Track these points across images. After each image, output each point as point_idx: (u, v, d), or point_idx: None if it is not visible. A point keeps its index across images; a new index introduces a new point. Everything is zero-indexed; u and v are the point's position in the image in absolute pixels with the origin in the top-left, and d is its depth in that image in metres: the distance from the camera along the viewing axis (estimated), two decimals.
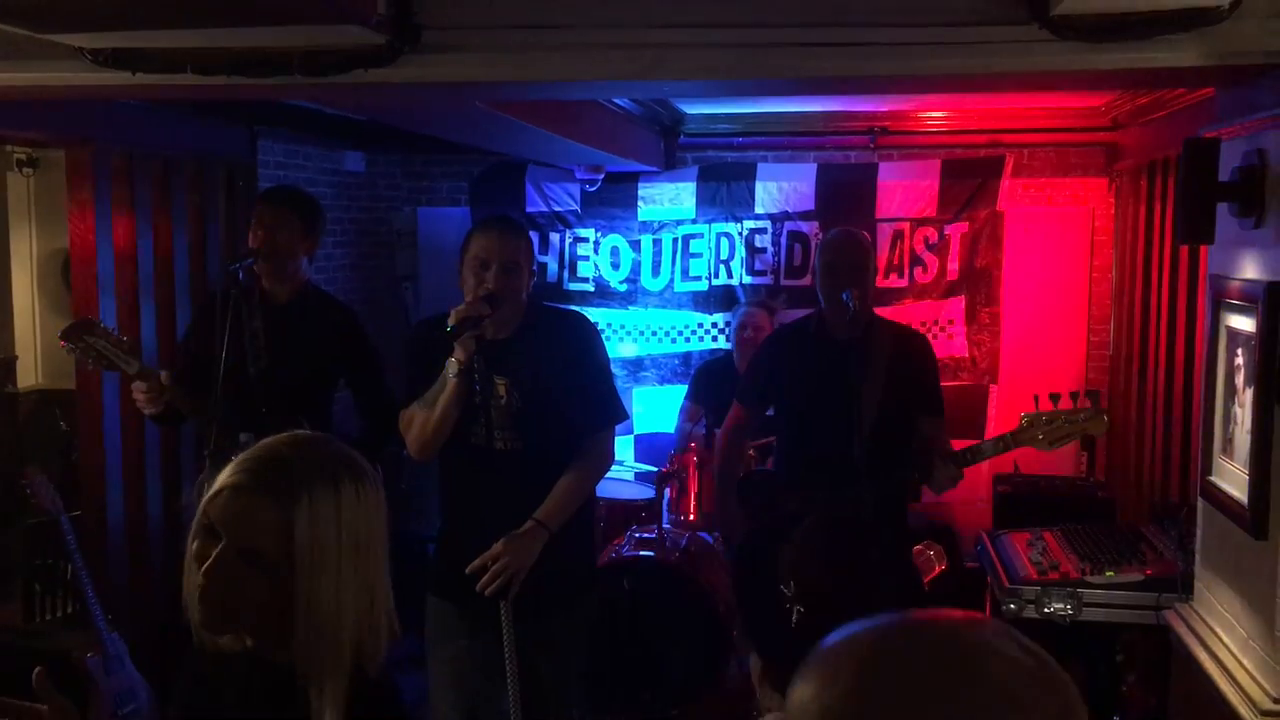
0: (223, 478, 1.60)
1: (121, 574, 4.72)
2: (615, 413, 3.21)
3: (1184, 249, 4.50)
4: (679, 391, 5.90)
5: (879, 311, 4.14)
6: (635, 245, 6.25)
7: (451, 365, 2.93)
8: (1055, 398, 3.46)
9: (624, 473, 5.69)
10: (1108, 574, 3.65)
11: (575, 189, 6.26)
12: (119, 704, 3.91)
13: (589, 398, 3.13)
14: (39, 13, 2.19)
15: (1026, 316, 6.01)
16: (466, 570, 2.93)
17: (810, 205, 6.01)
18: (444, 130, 4.93)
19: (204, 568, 1.55)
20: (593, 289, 6.28)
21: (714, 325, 6.20)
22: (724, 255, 6.15)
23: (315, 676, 1.57)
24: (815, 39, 2.61)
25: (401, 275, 6.71)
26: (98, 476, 4.72)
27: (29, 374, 6.67)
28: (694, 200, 6.14)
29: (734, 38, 2.67)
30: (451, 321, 2.89)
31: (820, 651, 0.86)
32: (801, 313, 4.48)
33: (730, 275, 6.15)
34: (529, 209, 6.29)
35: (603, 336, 3.67)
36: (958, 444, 3.64)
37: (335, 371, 3.82)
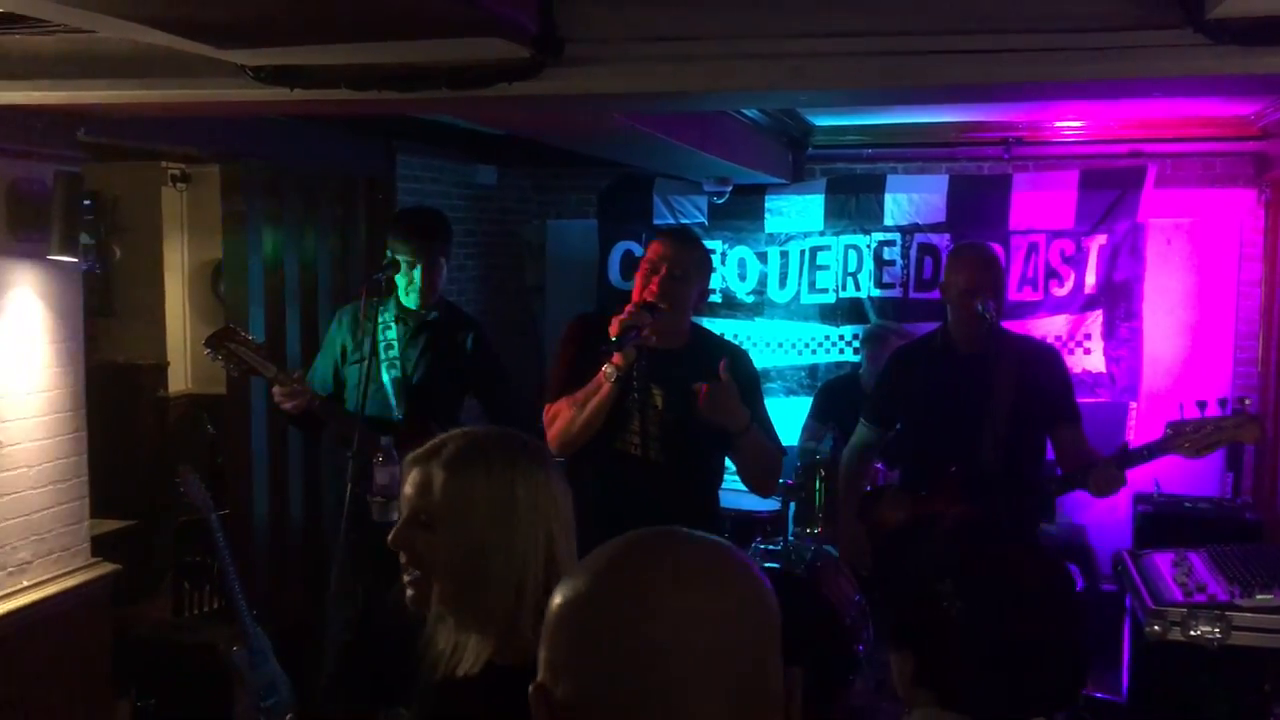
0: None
1: (264, 571, 4.91)
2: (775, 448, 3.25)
3: None
4: (804, 403, 5.87)
5: (1012, 326, 4.07)
6: (762, 257, 6.26)
7: (609, 371, 2.95)
8: (1202, 405, 3.33)
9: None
10: (1259, 597, 3.51)
11: (702, 201, 6.30)
12: (262, 697, 4.05)
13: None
14: (221, 31, 2.31)
15: (1169, 332, 5.81)
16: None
17: (941, 217, 5.92)
18: (577, 143, 5.01)
19: (390, 538, 1.66)
20: (719, 300, 6.30)
21: (840, 337, 6.16)
22: (851, 268, 6.12)
23: (483, 632, 1.65)
24: (959, 46, 2.58)
25: (530, 286, 6.83)
26: (244, 477, 4.93)
27: (179, 379, 6.98)
28: (822, 212, 6.12)
29: (874, 46, 2.66)
30: (614, 331, 2.92)
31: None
32: (929, 327, 4.43)
33: (858, 288, 6.11)
34: (655, 221, 6.34)
35: None
36: None
37: (464, 380, 3.92)
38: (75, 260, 3.45)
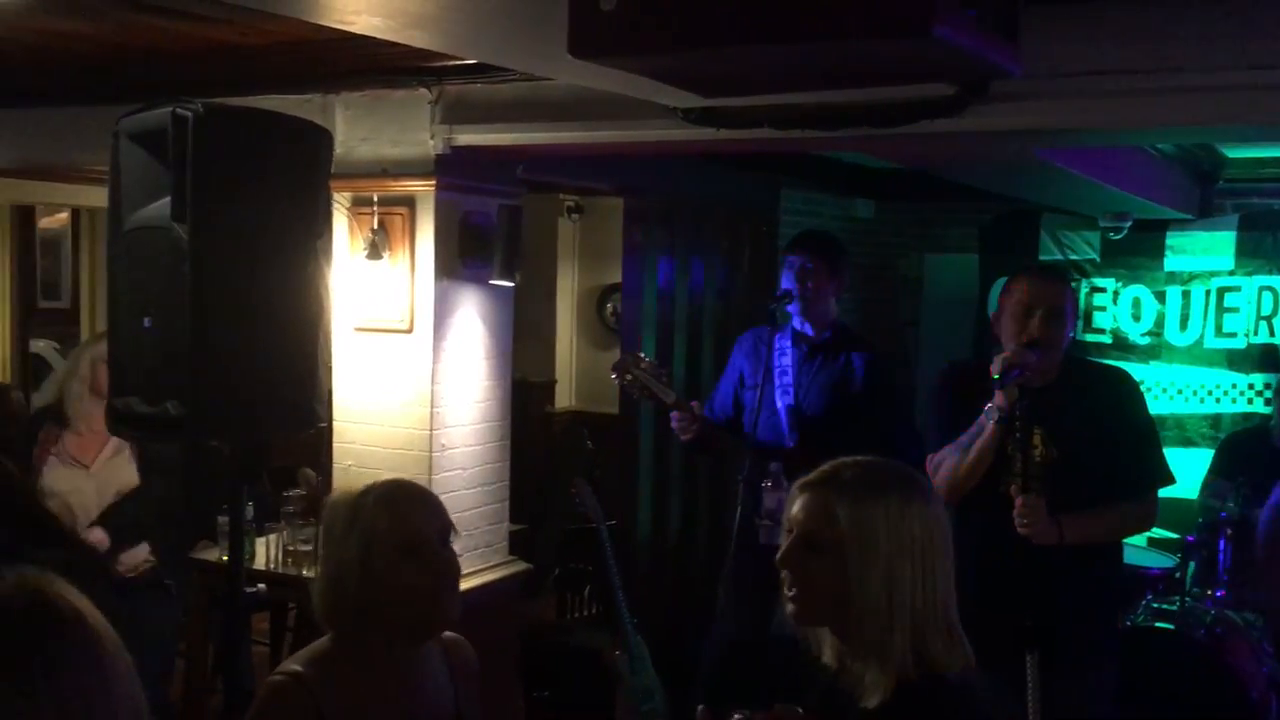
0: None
1: (643, 582, 5.16)
2: (1160, 477, 3.10)
3: None
4: (1203, 455, 5.45)
5: None
6: (1160, 297, 5.89)
7: (992, 412, 2.94)
8: None
9: (1137, 537, 5.33)
10: None
11: (1095, 237, 6.01)
12: (640, 701, 4.26)
13: (1131, 459, 3.04)
14: (712, 83, 2.50)
15: None
16: None
17: None
18: (967, 176, 4.93)
19: (778, 556, 1.74)
20: (1109, 341, 5.98)
21: (1250, 386, 5.67)
22: (1266, 310, 5.62)
23: (866, 659, 1.68)
24: None
25: (905, 320, 6.78)
26: (630, 492, 5.22)
27: (564, 396, 7.51)
28: (1232, 250, 5.68)
29: None
30: (996, 369, 2.90)
31: None
32: None
33: (1273, 333, 5.61)
34: (1042, 257, 6.11)
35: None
36: None
37: (855, 406, 3.91)
38: (511, 284, 3.82)
